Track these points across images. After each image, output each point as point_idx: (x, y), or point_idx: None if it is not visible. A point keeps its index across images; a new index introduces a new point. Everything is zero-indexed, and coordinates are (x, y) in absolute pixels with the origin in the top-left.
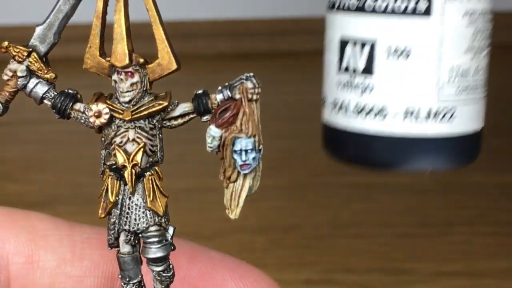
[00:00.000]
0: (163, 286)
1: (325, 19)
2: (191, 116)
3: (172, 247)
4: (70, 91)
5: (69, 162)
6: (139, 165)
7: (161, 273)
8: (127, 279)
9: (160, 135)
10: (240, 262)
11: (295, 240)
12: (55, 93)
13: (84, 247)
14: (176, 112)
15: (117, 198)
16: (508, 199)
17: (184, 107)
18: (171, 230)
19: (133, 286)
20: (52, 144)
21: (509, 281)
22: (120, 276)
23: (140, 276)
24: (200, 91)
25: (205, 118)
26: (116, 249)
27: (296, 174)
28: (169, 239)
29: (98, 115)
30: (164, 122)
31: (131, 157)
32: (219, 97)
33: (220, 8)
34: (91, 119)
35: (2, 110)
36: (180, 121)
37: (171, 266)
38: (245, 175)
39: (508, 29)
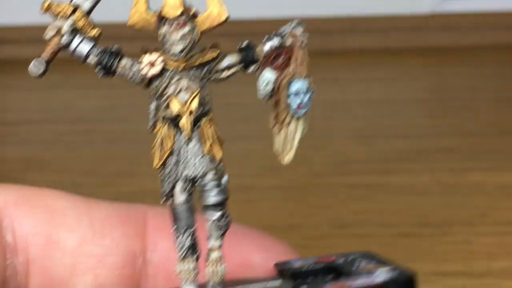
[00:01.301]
0: (219, 234)
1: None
2: (237, 68)
3: (228, 194)
4: (114, 48)
5: (69, 162)
6: (194, 112)
7: (218, 220)
8: (184, 229)
9: (207, 89)
10: (263, 234)
11: (295, 240)
12: (100, 49)
13: (104, 225)
14: (224, 64)
15: (173, 146)
16: (508, 199)
17: (231, 58)
18: (226, 177)
19: (189, 235)
20: (52, 144)
21: (509, 281)
22: (174, 229)
23: (195, 226)
24: (244, 44)
25: (251, 69)
26: (169, 202)
27: (296, 174)
28: (225, 186)
29: (152, 64)
30: (212, 74)
31: (187, 104)
32: (268, 45)
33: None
34: (144, 70)
35: (44, 69)
36: (226, 74)
37: (227, 214)
38: (298, 118)
39: (508, 29)
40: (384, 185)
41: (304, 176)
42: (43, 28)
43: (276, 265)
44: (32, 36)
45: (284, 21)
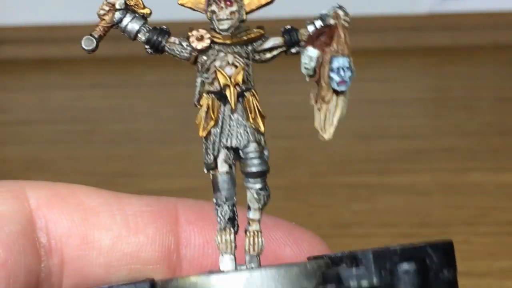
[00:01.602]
0: (260, 205)
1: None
2: (280, 50)
3: (269, 167)
4: (163, 27)
5: (69, 162)
6: (240, 84)
7: (260, 191)
8: (224, 200)
9: (251, 68)
10: (293, 226)
11: None
12: (150, 27)
13: (137, 222)
14: (267, 44)
15: (218, 117)
16: (508, 199)
17: (275, 40)
18: (266, 151)
19: (228, 208)
20: (52, 144)
21: (509, 281)
22: (214, 200)
23: (235, 199)
24: (288, 26)
25: (294, 50)
26: (212, 172)
27: (297, 174)
28: (266, 159)
29: (201, 38)
30: (255, 54)
31: (233, 76)
32: (312, 27)
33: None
34: (194, 44)
35: (95, 45)
36: (269, 55)
37: (267, 186)
38: (338, 96)
39: (508, 29)
40: (384, 185)
41: (304, 176)
42: (43, 28)
43: (309, 259)
44: (32, 36)
45: (284, 21)
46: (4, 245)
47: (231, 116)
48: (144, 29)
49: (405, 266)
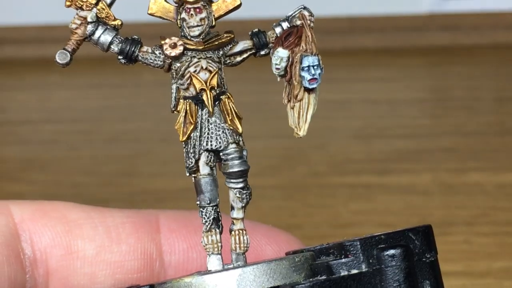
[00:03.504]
0: (243, 204)
1: None
2: (250, 52)
3: (249, 167)
4: (134, 36)
5: (69, 162)
6: (215, 87)
7: (242, 190)
8: (207, 202)
9: (223, 72)
10: (271, 227)
11: None
12: (122, 38)
13: (119, 232)
14: (237, 48)
15: (197, 121)
16: (508, 199)
17: (244, 43)
18: (245, 152)
19: (212, 209)
20: (52, 144)
21: (509, 281)
22: (198, 202)
23: (218, 200)
24: (255, 30)
25: (263, 52)
26: (194, 175)
27: (296, 174)
28: (246, 159)
29: (174, 46)
30: (226, 58)
31: (208, 81)
32: (278, 29)
33: None
34: (167, 51)
35: (69, 59)
36: (239, 58)
37: (248, 185)
38: (309, 93)
39: (508, 29)
40: (384, 185)
41: (304, 176)
42: (43, 28)
43: (287, 254)
44: (32, 36)
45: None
46: None
47: (209, 119)
48: (117, 40)
49: (391, 251)
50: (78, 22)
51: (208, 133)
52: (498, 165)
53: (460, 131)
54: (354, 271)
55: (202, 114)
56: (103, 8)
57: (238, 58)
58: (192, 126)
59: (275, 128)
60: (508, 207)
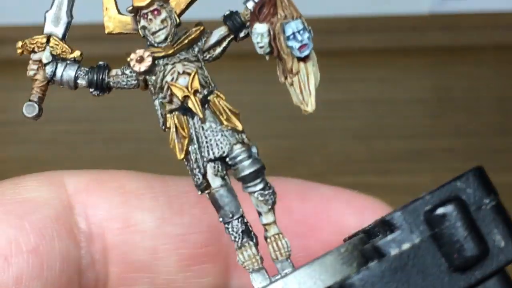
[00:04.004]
0: (269, 206)
1: None
2: (228, 39)
3: (263, 163)
4: (100, 63)
5: (68, 162)
6: (199, 90)
7: (262, 191)
8: (230, 216)
9: (206, 70)
10: (354, 194)
11: None
12: (87, 69)
13: (182, 203)
14: (213, 39)
15: (190, 132)
16: (508, 199)
17: (219, 31)
18: (254, 148)
19: (238, 222)
20: (52, 144)
21: None
22: (220, 219)
23: (241, 210)
24: (227, 12)
25: (242, 34)
26: (207, 191)
27: (296, 174)
28: (257, 156)
29: (140, 59)
30: (205, 54)
31: (189, 85)
32: (250, 4)
33: None
34: (135, 67)
35: (38, 111)
36: (219, 49)
37: (269, 184)
38: (304, 63)
39: (508, 29)
40: (384, 185)
41: (304, 176)
42: (42, 28)
43: (344, 241)
44: (31, 36)
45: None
46: (35, 231)
47: (203, 126)
48: (82, 73)
49: (441, 210)
50: (35, 67)
51: (206, 142)
52: (498, 165)
53: (460, 131)
54: (406, 246)
55: (194, 123)
56: (56, 44)
57: (218, 49)
58: (186, 140)
59: (275, 128)
60: (508, 207)
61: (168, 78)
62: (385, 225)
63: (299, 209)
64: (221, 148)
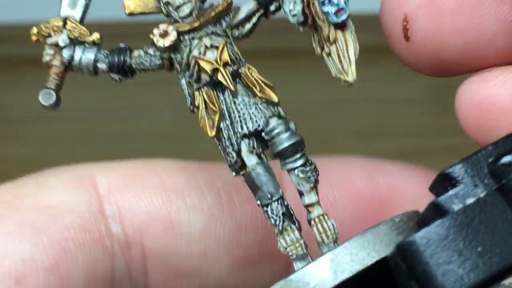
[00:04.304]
0: (311, 185)
1: None
2: (258, 14)
3: (302, 138)
4: (121, 45)
5: (68, 162)
6: (229, 63)
7: (304, 167)
8: (269, 197)
9: (235, 46)
10: (430, 171)
11: None
12: (107, 52)
13: (232, 197)
14: (242, 14)
15: (221, 107)
16: None
17: (248, 6)
18: (292, 124)
19: (278, 204)
20: (51, 144)
21: None
22: (258, 202)
23: (281, 191)
24: None
25: (273, 7)
26: (242, 172)
27: None
28: (295, 131)
29: (165, 34)
30: (234, 31)
31: (218, 57)
32: None
33: None
34: (159, 43)
35: (56, 99)
36: (248, 25)
37: (310, 160)
38: (342, 30)
39: None
40: None
41: None
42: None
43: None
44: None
45: (283, 21)
46: (54, 245)
47: (235, 101)
48: (102, 56)
49: (507, 158)
50: (51, 51)
51: (239, 116)
52: None
53: (461, 130)
54: (470, 200)
55: (225, 98)
56: (74, 27)
57: (248, 26)
58: (218, 115)
59: None
60: None
61: (195, 52)
62: (445, 180)
63: (369, 189)
64: (256, 121)
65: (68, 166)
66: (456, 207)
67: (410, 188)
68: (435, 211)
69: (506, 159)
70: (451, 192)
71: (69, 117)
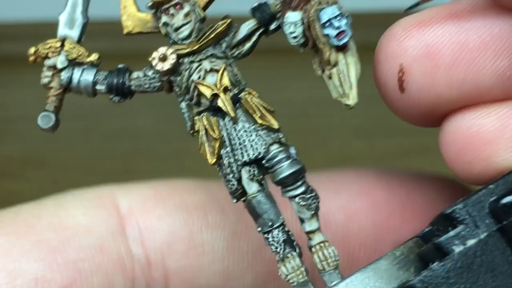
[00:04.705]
0: (312, 212)
1: None
2: (258, 33)
3: (303, 165)
4: (120, 66)
5: (67, 159)
6: (229, 87)
7: (304, 195)
8: (270, 224)
9: (235, 67)
10: (435, 176)
11: None
12: (105, 73)
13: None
14: (242, 33)
15: (222, 134)
16: None
17: (248, 25)
18: (293, 149)
19: (279, 231)
20: (51, 141)
21: None
22: (259, 229)
23: (282, 217)
24: (255, 4)
25: (273, 26)
26: (242, 199)
27: None
28: (296, 157)
29: (164, 58)
30: (233, 51)
31: (218, 82)
32: None
33: None
34: (158, 67)
35: (55, 121)
36: (248, 44)
37: (311, 187)
38: (344, 52)
39: None
40: None
41: None
42: (42, 25)
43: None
44: (30, 32)
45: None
46: (69, 265)
47: (235, 127)
48: (100, 78)
49: (508, 199)
50: (49, 73)
51: (239, 143)
52: None
53: None
54: (471, 242)
55: (225, 124)
56: (71, 48)
57: (247, 45)
58: (218, 142)
59: None
60: None
61: (195, 76)
62: (445, 220)
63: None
64: (256, 149)
65: (90, 187)
66: (457, 248)
67: (426, 194)
68: (436, 251)
69: (507, 199)
70: (451, 232)
71: (68, 114)
